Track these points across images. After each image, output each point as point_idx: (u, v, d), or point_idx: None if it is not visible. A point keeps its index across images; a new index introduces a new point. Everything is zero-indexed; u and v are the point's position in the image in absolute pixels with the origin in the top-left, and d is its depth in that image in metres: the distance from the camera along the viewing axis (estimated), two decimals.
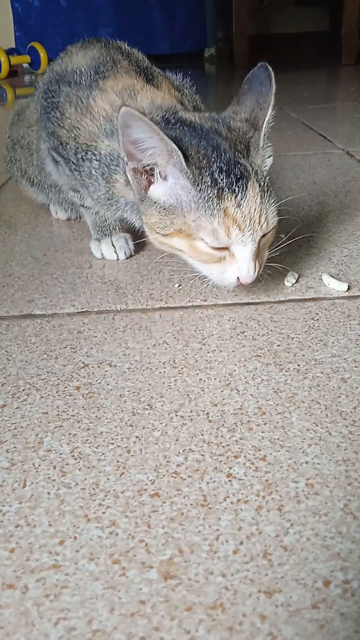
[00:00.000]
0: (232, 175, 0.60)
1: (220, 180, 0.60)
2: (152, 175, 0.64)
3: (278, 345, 0.62)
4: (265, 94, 0.66)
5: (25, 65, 2.97)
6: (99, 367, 0.60)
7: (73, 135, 0.76)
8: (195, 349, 0.62)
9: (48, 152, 0.84)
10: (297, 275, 0.75)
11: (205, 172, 0.60)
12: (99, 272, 0.81)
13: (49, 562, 0.39)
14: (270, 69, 0.66)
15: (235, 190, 0.60)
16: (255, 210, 0.60)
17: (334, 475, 0.45)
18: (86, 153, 0.75)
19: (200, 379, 0.57)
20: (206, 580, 0.37)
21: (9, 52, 2.89)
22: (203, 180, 0.60)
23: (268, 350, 0.61)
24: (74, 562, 0.39)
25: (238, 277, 0.62)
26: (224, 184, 0.60)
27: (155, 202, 0.64)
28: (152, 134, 0.59)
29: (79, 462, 0.47)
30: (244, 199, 0.60)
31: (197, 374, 0.58)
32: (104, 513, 0.42)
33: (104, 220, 0.84)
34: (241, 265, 0.61)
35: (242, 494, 0.43)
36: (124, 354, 0.62)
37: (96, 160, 0.74)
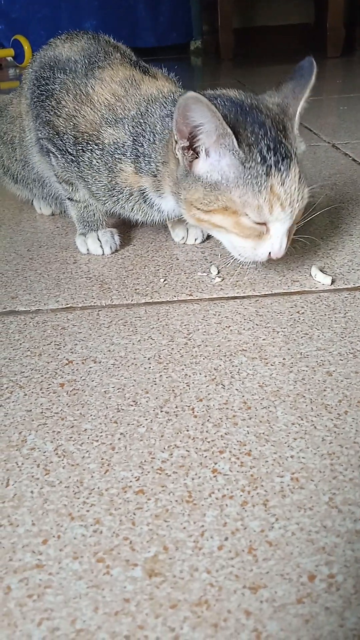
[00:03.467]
0: (278, 154, 0.62)
1: (268, 158, 0.62)
2: (197, 152, 0.64)
3: (263, 339, 0.62)
4: (302, 84, 0.68)
5: (10, 58, 2.94)
6: (83, 363, 0.59)
7: (72, 124, 0.75)
8: (180, 344, 0.62)
9: (37, 141, 0.82)
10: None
11: (255, 148, 0.62)
12: (84, 268, 0.80)
13: (32, 562, 0.39)
14: (315, 64, 0.68)
15: (280, 168, 0.62)
16: (294, 189, 0.63)
17: (319, 469, 0.45)
18: (87, 143, 0.74)
19: (186, 374, 0.57)
20: (191, 577, 0.37)
21: None
22: (253, 157, 0.62)
23: (253, 344, 0.61)
24: (57, 561, 0.39)
25: (270, 252, 0.65)
26: (272, 161, 0.62)
27: (199, 178, 0.64)
28: (212, 118, 0.60)
29: (62, 460, 0.47)
30: (287, 178, 0.62)
31: (183, 369, 0.58)
32: (88, 511, 0.42)
33: (92, 214, 0.83)
34: (274, 241, 0.64)
35: (227, 489, 0.43)
36: (109, 350, 0.61)
37: (99, 149, 0.73)
